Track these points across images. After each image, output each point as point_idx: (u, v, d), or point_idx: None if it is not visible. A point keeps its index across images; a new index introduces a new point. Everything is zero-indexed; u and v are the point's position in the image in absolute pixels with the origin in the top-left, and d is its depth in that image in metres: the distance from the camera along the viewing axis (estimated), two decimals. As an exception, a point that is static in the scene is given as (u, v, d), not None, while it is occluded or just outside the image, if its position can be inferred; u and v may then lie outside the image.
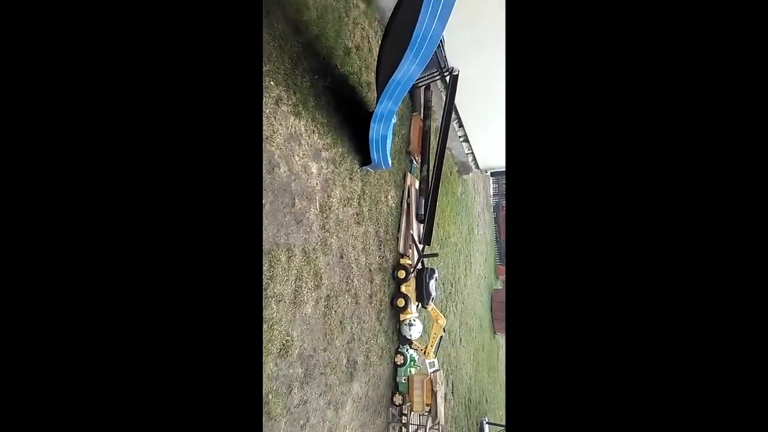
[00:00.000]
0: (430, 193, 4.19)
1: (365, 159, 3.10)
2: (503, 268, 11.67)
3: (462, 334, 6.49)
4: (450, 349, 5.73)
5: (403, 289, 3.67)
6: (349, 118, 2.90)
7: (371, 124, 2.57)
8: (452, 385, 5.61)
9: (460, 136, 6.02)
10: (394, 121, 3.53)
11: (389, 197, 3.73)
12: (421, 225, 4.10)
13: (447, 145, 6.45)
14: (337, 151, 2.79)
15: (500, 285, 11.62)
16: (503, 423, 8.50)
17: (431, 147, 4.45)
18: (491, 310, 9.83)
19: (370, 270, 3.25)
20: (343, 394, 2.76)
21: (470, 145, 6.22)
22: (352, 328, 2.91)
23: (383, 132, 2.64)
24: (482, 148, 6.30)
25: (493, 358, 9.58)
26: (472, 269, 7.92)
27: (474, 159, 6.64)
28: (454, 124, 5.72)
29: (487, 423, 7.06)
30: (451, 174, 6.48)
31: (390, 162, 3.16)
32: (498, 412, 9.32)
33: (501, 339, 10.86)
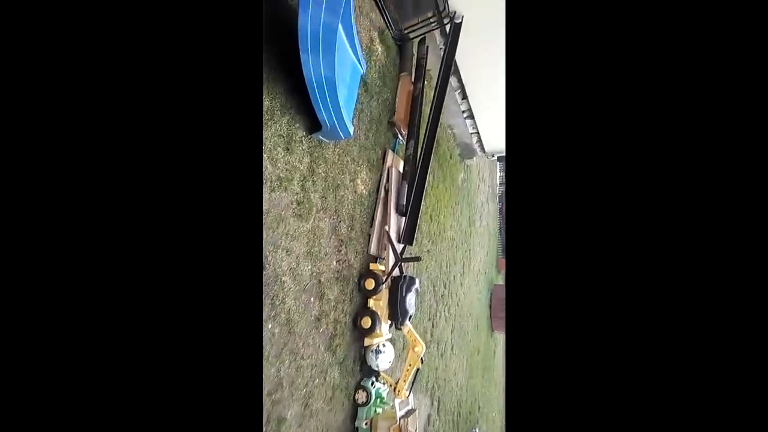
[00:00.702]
0: (416, 177, 3.12)
1: (315, 123, 2.05)
2: (505, 260, 10.62)
3: (454, 341, 5.52)
4: (438, 361, 4.78)
5: (371, 304, 2.66)
6: (284, 53, 1.83)
7: (301, 55, 1.50)
8: (438, 402, 4.69)
9: (463, 111, 4.88)
10: (360, 67, 2.40)
11: (358, 181, 2.67)
12: (403, 219, 3.06)
13: (448, 123, 5.32)
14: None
15: (501, 280, 10.61)
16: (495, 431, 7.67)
17: (422, 118, 3.36)
18: (490, 308, 8.86)
19: (319, 282, 2.24)
20: (257, 470, 1.79)
21: (475, 123, 5.07)
22: (279, 371, 1.92)
23: (326, 71, 1.57)
24: (490, 127, 5.15)
25: (489, 357, 8.67)
26: (470, 265, 6.90)
27: (479, 140, 5.50)
28: (456, 95, 4.58)
29: (477, 435, 6.18)
30: (451, 158, 5.36)
31: (350, 128, 2.10)
32: (491, 414, 8.51)
33: (499, 337, 9.93)
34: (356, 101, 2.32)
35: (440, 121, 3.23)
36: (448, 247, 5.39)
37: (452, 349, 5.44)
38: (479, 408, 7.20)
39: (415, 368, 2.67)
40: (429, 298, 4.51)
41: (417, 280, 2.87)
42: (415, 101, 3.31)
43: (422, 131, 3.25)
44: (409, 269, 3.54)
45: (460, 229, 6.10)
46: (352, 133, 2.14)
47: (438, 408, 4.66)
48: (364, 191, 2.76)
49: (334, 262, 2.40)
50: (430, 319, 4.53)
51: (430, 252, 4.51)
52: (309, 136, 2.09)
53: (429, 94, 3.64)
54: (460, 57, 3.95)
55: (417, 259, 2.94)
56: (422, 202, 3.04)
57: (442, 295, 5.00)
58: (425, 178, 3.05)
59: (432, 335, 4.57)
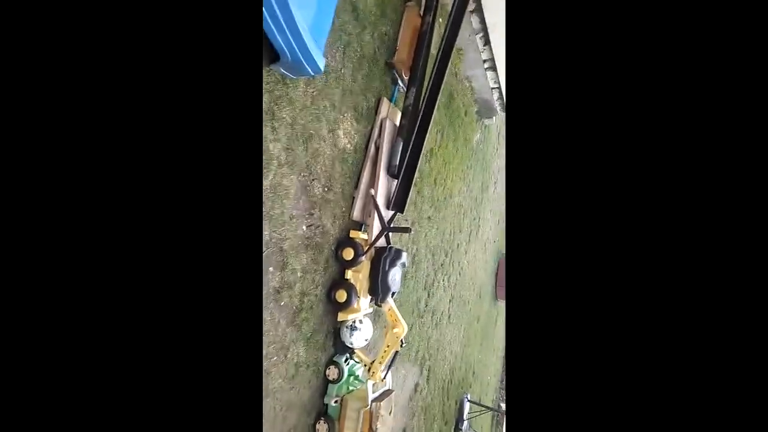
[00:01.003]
0: (414, 133, 2.62)
1: (273, 50, 1.56)
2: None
3: (452, 310, 5.27)
4: (432, 331, 4.55)
5: (349, 276, 2.32)
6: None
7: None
8: (429, 371, 4.53)
9: (484, 61, 4.16)
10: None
11: (340, 132, 2.20)
12: (395, 182, 2.61)
13: (466, 73, 4.60)
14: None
15: (511, 249, 10.16)
16: (486, 398, 7.69)
17: (430, 61, 2.76)
18: (496, 276, 8.56)
19: (280, 249, 1.88)
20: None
21: (497, 76, 4.36)
22: (223, 350, 1.64)
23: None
24: (514, 82, 4.42)
25: (490, 325, 8.52)
26: (478, 234, 6.47)
27: (501, 97, 4.79)
28: (477, 39, 3.86)
29: (468, 401, 6.15)
30: (466, 115, 4.72)
31: (320, 62, 1.60)
32: (486, 378, 8.56)
33: (502, 305, 9.73)
34: (331, 27, 1.79)
35: (450, 65, 2.64)
36: (454, 214, 4.95)
37: (449, 318, 5.20)
38: (473, 374, 7.15)
39: (393, 351, 2.37)
40: (426, 267, 4.17)
41: (404, 254, 2.48)
42: (422, 39, 2.70)
43: (427, 77, 2.68)
44: (402, 239, 3.16)
45: (470, 195, 5.58)
46: (323, 68, 1.64)
47: (428, 377, 4.51)
48: (348, 146, 2.30)
49: (304, 228, 2.03)
50: (425, 289, 4.23)
51: (431, 219, 4.09)
52: (267, 68, 1.62)
53: (440, 31, 3.00)
54: (485, -12, 3.21)
55: (406, 230, 2.54)
56: (419, 163, 2.57)
57: (441, 264, 4.65)
58: (425, 135, 2.54)
59: (427, 305, 4.30)
